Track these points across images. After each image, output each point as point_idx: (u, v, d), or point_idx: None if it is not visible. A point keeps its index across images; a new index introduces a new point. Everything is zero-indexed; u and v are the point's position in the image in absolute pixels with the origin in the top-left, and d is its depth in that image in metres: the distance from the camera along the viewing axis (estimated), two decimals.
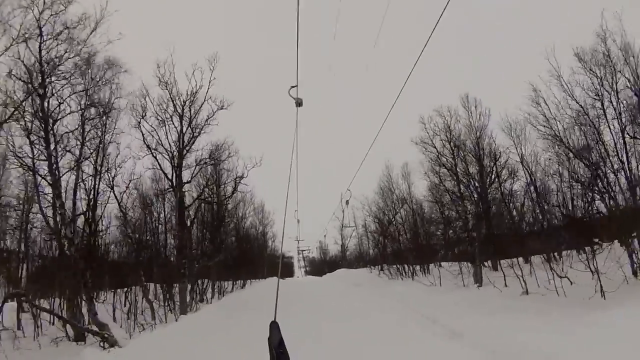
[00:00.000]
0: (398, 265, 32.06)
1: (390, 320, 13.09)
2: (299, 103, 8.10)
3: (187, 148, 19.14)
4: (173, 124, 19.39)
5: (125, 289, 21.65)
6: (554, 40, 19.69)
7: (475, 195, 21.45)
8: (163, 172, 18.67)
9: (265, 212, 46.26)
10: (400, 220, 34.26)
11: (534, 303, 12.51)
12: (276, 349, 2.30)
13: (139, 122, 18.84)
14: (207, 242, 23.73)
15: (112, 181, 20.09)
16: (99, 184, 19.29)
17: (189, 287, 18.46)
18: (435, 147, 22.78)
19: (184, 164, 19.21)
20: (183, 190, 19.10)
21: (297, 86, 8.12)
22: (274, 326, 2.47)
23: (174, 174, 18.43)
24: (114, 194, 20.36)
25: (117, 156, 19.37)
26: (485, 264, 28.07)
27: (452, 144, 22.30)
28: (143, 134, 18.75)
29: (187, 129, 19.52)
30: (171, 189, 18.56)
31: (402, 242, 33.51)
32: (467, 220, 20.78)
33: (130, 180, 20.52)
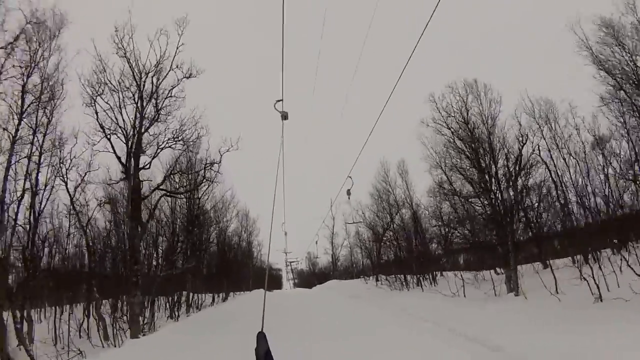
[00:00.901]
0: (398, 275, 28.11)
1: (421, 343, 9.25)
2: (284, 116, 7.95)
3: (147, 126, 15.29)
4: (134, 100, 15.60)
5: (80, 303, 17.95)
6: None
7: (500, 188, 17.60)
8: (116, 154, 14.73)
9: (250, 219, 42.43)
10: (400, 223, 30.44)
11: (625, 311, 8.72)
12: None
13: (94, 100, 15.05)
14: (177, 245, 19.60)
15: (66, 173, 16.61)
16: (39, 171, 16.00)
17: (146, 301, 14.47)
18: (450, 129, 19.04)
19: (145, 150, 15.40)
20: (141, 179, 15.18)
21: (282, 100, 7.98)
22: (261, 336, 2.49)
23: (129, 158, 14.50)
24: (67, 188, 16.81)
25: (74, 145, 15.92)
26: (498, 269, 24.41)
27: (469, 125, 18.60)
28: (97, 113, 14.95)
29: (148, 103, 15.74)
30: (124, 177, 14.53)
31: (403, 248, 29.63)
32: (493, 218, 16.91)
33: (86, 173, 16.98)
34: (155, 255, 19.43)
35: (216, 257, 32.24)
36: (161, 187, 15.50)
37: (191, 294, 24.33)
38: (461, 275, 17.79)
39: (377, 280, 34.98)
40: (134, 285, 13.06)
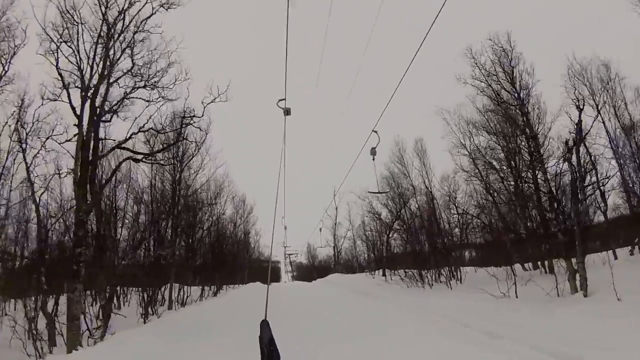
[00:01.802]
0: (412, 270, 24.28)
1: None
2: (287, 112, 7.63)
3: (110, 67, 11.65)
4: (99, 36, 11.92)
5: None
6: None
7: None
8: (71, 104, 11.12)
9: (247, 205, 38.80)
10: (416, 210, 26.80)
11: None
12: (267, 347, 2.35)
13: (58, 47, 11.42)
14: (148, 228, 15.98)
15: (26, 138, 14.48)
16: None
17: (101, 297, 10.86)
18: (491, 87, 15.51)
19: (116, 109, 11.79)
20: (103, 137, 11.58)
21: (285, 99, 7.69)
22: (265, 324, 2.56)
23: (83, 105, 10.89)
24: (24, 155, 14.45)
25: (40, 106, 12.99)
26: (527, 266, 20.94)
27: (516, 86, 15.01)
28: (58, 60, 11.31)
29: (114, 42, 12.07)
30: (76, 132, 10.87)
31: (420, 239, 25.90)
32: (553, 197, 13.24)
33: (47, 137, 14.02)
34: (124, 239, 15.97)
35: (207, 246, 28.67)
36: (124, 146, 11.76)
37: (177, 288, 20.83)
38: (512, 271, 14.15)
39: (384, 274, 31.57)
40: (74, 276, 9.41)
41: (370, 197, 34.39)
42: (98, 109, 11.12)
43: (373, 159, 10.05)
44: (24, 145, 14.69)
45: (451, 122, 22.40)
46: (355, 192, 36.11)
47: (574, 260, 12.21)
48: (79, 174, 10.12)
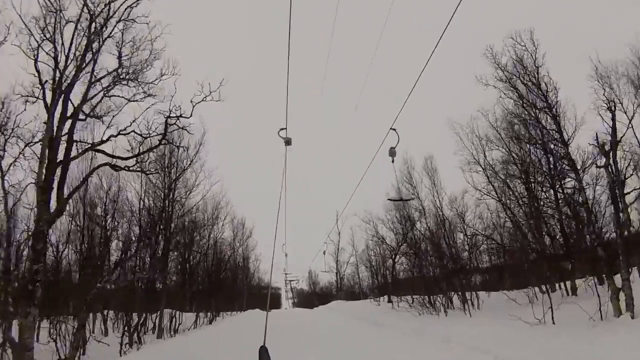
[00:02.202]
0: (422, 296, 22.41)
1: None
2: (288, 142, 7.54)
3: (95, 59, 10.31)
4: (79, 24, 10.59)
5: None
6: None
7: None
8: (44, 101, 9.73)
9: (246, 229, 37.21)
10: (426, 232, 25.05)
11: None
12: None
13: (39, 45, 10.14)
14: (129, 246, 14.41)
15: (4, 145, 12.75)
16: None
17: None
18: (516, 89, 14.14)
19: (101, 115, 10.45)
20: (77, 140, 10.12)
21: (286, 128, 7.64)
22: (263, 351, 2.71)
23: (55, 98, 9.50)
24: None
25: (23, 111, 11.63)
26: (546, 287, 19.00)
27: (542, 87, 13.62)
28: (38, 55, 10.01)
29: (99, 30, 10.73)
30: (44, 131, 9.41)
31: (430, 262, 24.06)
32: (588, 207, 11.69)
33: (26, 144, 12.49)
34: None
35: (203, 271, 26.99)
36: (100, 149, 10.26)
37: (168, 314, 19.11)
38: (549, 294, 12.46)
39: (390, 301, 29.79)
40: (29, 298, 7.80)
41: (374, 221, 32.91)
42: (74, 107, 9.77)
43: (392, 161, 8.53)
44: (1, 152, 13.43)
45: (464, 136, 21.04)
46: (359, 214, 34.64)
47: (616, 278, 10.62)
48: (43, 176, 8.63)
